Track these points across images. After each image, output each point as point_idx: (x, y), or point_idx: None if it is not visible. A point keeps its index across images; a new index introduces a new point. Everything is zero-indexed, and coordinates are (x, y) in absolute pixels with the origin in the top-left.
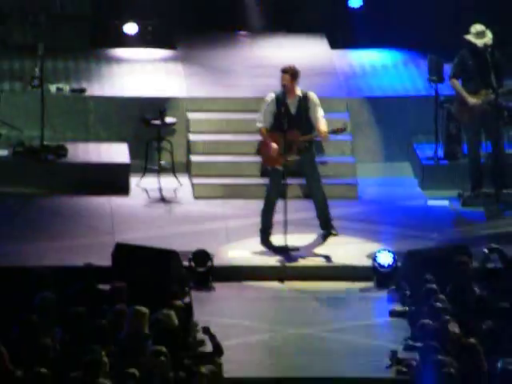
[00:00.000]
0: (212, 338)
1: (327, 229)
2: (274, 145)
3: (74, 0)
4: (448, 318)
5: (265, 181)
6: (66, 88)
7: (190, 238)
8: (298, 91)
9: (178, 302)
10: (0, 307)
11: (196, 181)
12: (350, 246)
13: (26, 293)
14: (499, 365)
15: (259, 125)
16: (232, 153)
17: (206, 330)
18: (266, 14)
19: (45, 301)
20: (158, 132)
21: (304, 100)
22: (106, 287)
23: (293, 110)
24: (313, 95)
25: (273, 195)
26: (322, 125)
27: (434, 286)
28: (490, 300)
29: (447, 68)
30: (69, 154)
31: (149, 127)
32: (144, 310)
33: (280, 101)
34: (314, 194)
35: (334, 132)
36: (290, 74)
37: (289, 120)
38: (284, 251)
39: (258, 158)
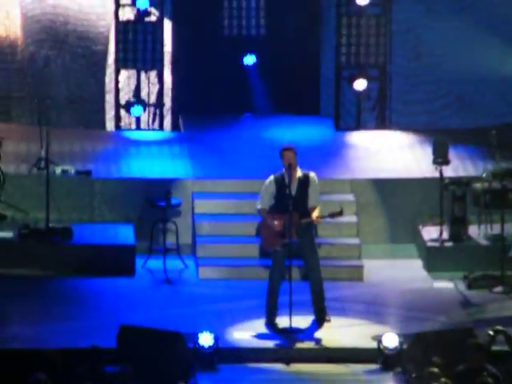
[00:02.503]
0: None
1: (320, 315)
2: (276, 224)
3: (80, 84)
4: None
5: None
6: (72, 170)
7: (194, 320)
8: (299, 171)
9: None
10: None
11: (201, 262)
12: (355, 327)
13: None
14: None
15: (259, 206)
16: (237, 234)
17: None
18: (272, 96)
19: (39, 382)
20: (164, 213)
21: (305, 181)
22: (111, 369)
23: (293, 191)
24: (314, 176)
25: (275, 277)
26: (316, 210)
27: (438, 369)
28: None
29: (452, 150)
30: (74, 236)
31: (154, 208)
32: None
33: (280, 182)
34: (311, 277)
35: (331, 216)
36: (294, 151)
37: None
38: (289, 333)
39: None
